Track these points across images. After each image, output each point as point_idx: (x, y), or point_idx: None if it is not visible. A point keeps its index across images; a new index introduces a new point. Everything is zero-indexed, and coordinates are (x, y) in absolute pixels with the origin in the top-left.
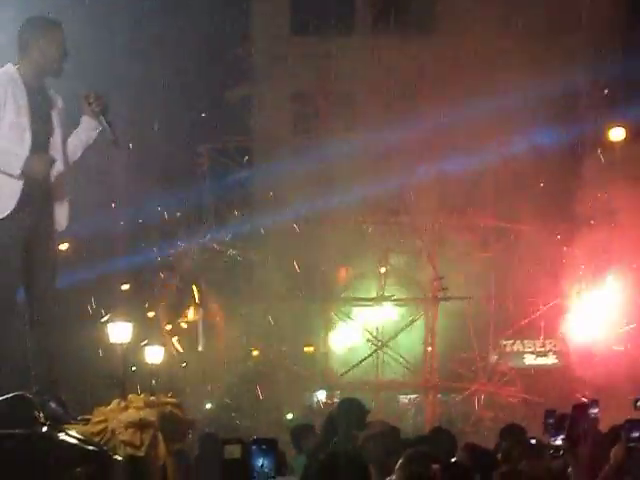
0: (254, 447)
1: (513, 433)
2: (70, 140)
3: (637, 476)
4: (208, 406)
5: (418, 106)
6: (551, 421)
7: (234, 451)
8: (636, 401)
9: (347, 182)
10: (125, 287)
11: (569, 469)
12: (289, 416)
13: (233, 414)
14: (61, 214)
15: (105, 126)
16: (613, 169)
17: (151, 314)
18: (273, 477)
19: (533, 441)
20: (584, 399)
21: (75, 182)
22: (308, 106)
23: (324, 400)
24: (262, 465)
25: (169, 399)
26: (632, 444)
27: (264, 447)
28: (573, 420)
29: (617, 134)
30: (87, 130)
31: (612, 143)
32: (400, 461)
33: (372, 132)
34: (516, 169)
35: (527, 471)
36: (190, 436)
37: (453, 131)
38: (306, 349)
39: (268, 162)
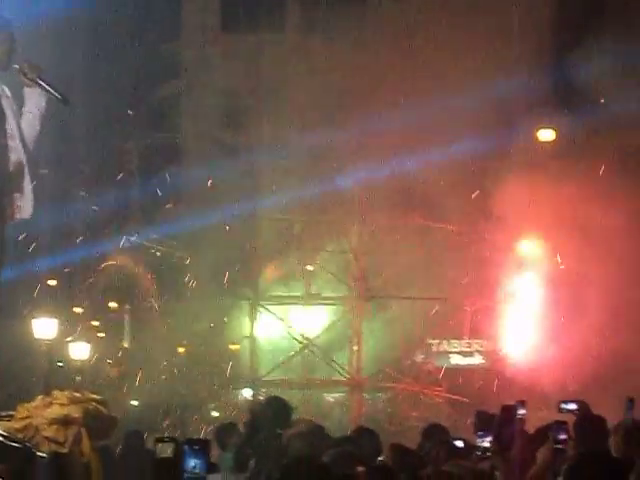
0: (186, 447)
1: (435, 433)
2: (23, 120)
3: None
4: (134, 403)
5: (349, 105)
6: (477, 422)
7: (167, 450)
8: (560, 404)
9: (277, 180)
10: (52, 282)
11: (496, 471)
12: (215, 414)
13: (159, 411)
14: (25, 202)
15: (48, 88)
16: (540, 170)
17: (77, 310)
18: (204, 478)
19: (460, 442)
20: (511, 401)
21: (36, 169)
22: (238, 103)
23: (250, 398)
24: (194, 466)
25: (93, 396)
26: (559, 446)
27: (196, 447)
28: (502, 422)
29: (546, 135)
30: (33, 100)
31: (541, 144)
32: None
33: (302, 130)
34: (444, 170)
35: (453, 472)
36: (114, 433)
37: (385, 131)
38: (232, 347)
39: (197, 159)
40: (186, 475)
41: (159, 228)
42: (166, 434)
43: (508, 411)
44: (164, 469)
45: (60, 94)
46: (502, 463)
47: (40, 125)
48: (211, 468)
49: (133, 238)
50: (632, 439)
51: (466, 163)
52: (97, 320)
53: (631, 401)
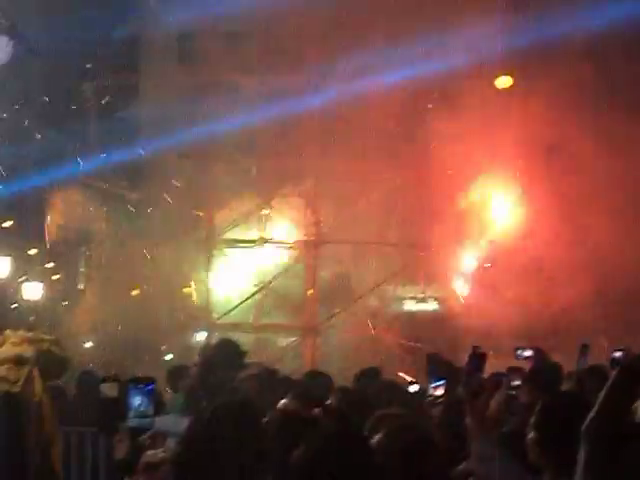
0: (131, 386)
1: (368, 376)
2: None
3: (516, 424)
4: (88, 345)
5: (306, 46)
6: (433, 367)
7: (111, 389)
8: (517, 350)
9: (233, 124)
10: (7, 224)
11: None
12: (168, 356)
13: (112, 353)
14: None
15: (17, 38)
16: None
17: (32, 251)
18: (151, 416)
19: (416, 386)
20: (477, 348)
21: None
22: (196, 46)
23: (203, 341)
24: (139, 404)
25: (47, 336)
26: (513, 392)
27: (141, 386)
28: (470, 369)
29: (503, 82)
30: (1, 48)
31: (498, 91)
32: (280, 403)
33: (259, 74)
34: (398, 120)
35: (402, 415)
36: (68, 373)
37: (340, 75)
38: (186, 290)
39: (155, 101)
40: (131, 414)
41: (113, 166)
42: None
43: (477, 359)
44: (109, 409)
45: (30, 44)
46: (471, 410)
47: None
48: (159, 408)
49: (88, 177)
50: (585, 385)
51: (420, 110)
52: (51, 262)
53: (585, 347)
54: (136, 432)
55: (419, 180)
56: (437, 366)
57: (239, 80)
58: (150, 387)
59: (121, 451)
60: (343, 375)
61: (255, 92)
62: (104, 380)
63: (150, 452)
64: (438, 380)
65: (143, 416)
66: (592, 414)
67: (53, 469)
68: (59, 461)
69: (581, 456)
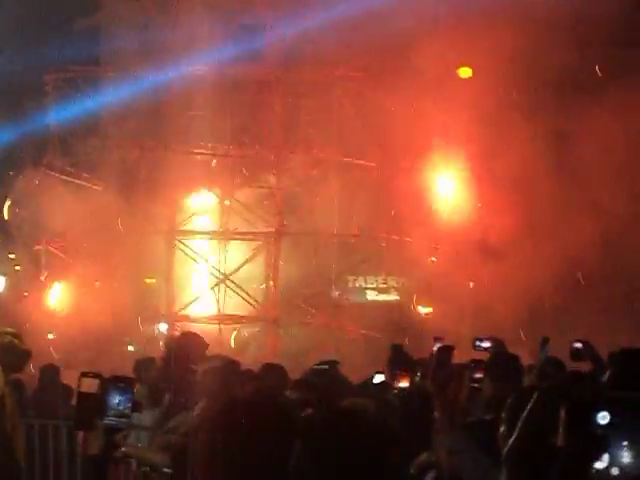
0: (111, 384)
1: (323, 369)
2: None
3: (477, 416)
4: (50, 336)
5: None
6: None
7: (91, 385)
8: (476, 340)
9: (193, 113)
10: None
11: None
12: (130, 348)
13: (74, 345)
14: None
15: None
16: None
17: None
18: (128, 416)
19: (381, 376)
20: (439, 339)
21: None
22: (155, 37)
23: (165, 333)
24: (118, 403)
25: (8, 329)
26: (475, 384)
27: (121, 385)
28: (438, 362)
29: (465, 73)
30: None
31: (462, 81)
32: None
33: (218, 63)
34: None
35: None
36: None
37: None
38: (148, 281)
39: (115, 92)
40: (110, 412)
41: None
42: (83, 369)
43: (445, 352)
44: (88, 404)
45: None
46: (441, 402)
47: None
48: (136, 406)
49: (47, 168)
50: (545, 377)
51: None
52: (12, 253)
53: (545, 340)
54: (111, 431)
55: (380, 167)
56: (399, 357)
57: (198, 71)
58: (128, 387)
59: (94, 447)
60: (304, 366)
61: (216, 80)
62: (85, 375)
63: None
64: (400, 371)
65: (120, 416)
66: (514, 437)
67: (16, 463)
68: (21, 455)
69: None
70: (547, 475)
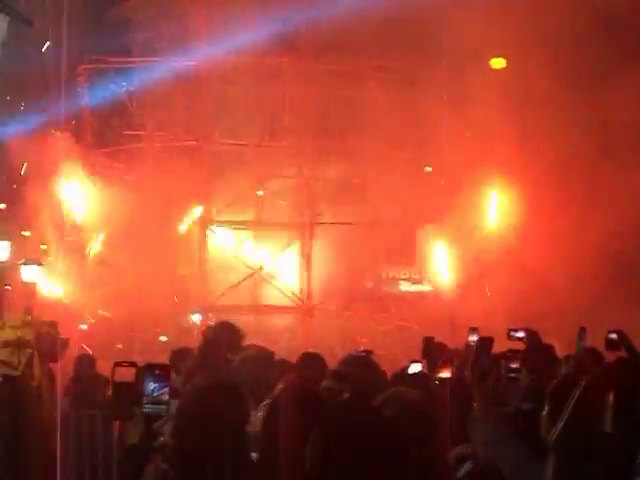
0: (147, 372)
1: (356, 361)
2: None
3: (516, 407)
4: (83, 327)
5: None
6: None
7: (126, 374)
8: (510, 331)
9: (225, 103)
10: (1, 206)
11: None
12: (163, 338)
13: (108, 335)
14: None
15: (12, 13)
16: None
17: (26, 233)
18: (165, 403)
19: (418, 366)
20: (474, 329)
21: None
22: (187, 26)
23: (199, 323)
24: (153, 390)
25: (44, 319)
26: (512, 374)
27: (157, 372)
28: (478, 353)
29: (498, 63)
30: None
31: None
32: (279, 387)
33: (248, 51)
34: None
35: (407, 397)
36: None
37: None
38: (182, 272)
39: (147, 83)
40: (146, 399)
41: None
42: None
43: (484, 343)
44: (124, 394)
45: (25, 17)
46: (480, 393)
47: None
48: (174, 393)
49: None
50: (583, 367)
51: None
52: (45, 244)
53: (582, 330)
54: (150, 418)
55: (416, 160)
56: (432, 349)
57: (229, 60)
58: (165, 374)
59: (134, 437)
60: (338, 357)
61: (246, 69)
62: (120, 364)
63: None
64: (442, 361)
65: (158, 403)
66: (560, 426)
67: (53, 452)
68: (58, 442)
69: (549, 467)
70: (595, 461)
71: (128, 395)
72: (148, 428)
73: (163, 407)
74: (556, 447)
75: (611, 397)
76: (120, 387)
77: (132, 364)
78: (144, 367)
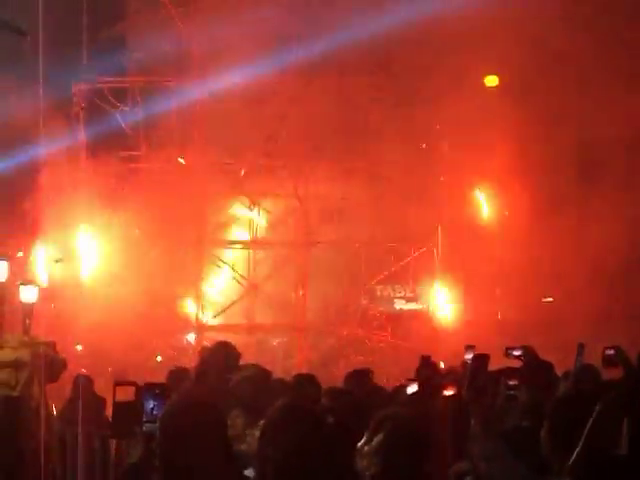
0: (146, 391)
1: (357, 378)
2: None
3: (514, 424)
4: (78, 348)
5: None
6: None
7: (127, 393)
8: (508, 350)
9: (218, 123)
10: None
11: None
12: (158, 358)
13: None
14: None
15: (5, 24)
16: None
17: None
18: None
19: (415, 387)
20: (471, 347)
21: None
22: (183, 46)
23: (194, 343)
24: (152, 409)
25: (42, 339)
26: (511, 392)
27: (157, 392)
28: (475, 370)
29: (491, 81)
30: None
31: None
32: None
33: (244, 74)
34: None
35: (403, 415)
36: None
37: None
38: (176, 291)
39: (145, 104)
40: (145, 418)
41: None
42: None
43: (480, 360)
44: (125, 412)
45: (18, 26)
46: (477, 410)
47: None
48: None
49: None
50: (581, 384)
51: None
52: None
53: (581, 347)
54: (150, 437)
55: (409, 179)
56: (427, 368)
57: (226, 80)
58: (164, 393)
59: (134, 455)
60: (333, 375)
61: (240, 92)
62: (120, 384)
63: None
64: (447, 379)
65: (156, 421)
66: (579, 449)
67: (53, 470)
68: (59, 462)
69: None
70: None
71: (128, 414)
72: (148, 447)
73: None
74: (573, 473)
75: (627, 420)
76: (120, 406)
77: (132, 383)
78: (143, 386)
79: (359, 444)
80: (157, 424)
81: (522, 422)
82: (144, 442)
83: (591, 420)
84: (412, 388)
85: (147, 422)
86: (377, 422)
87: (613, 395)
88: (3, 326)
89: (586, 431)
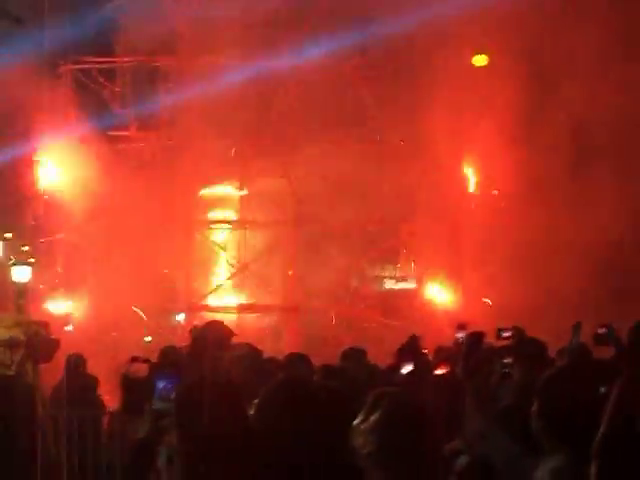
0: (158, 369)
1: (353, 356)
2: None
3: (507, 402)
4: (68, 328)
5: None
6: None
7: (140, 369)
8: (499, 331)
9: (210, 106)
10: None
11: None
12: (147, 338)
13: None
14: None
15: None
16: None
17: (7, 235)
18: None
19: (410, 366)
20: (463, 325)
21: None
22: (171, 28)
23: (183, 323)
24: (164, 388)
25: (35, 319)
26: (505, 370)
27: (169, 371)
28: (469, 349)
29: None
30: None
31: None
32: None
33: (234, 56)
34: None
35: (401, 392)
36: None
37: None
38: (166, 272)
39: (133, 85)
40: (156, 395)
41: None
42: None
43: (474, 338)
44: (136, 388)
45: (16, 14)
46: (470, 389)
47: None
48: None
49: None
50: (578, 362)
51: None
52: (25, 245)
53: (578, 325)
54: (159, 415)
55: (398, 156)
56: (414, 349)
57: (214, 63)
58: (176, 372)
59: (142, 432)
60: (323, 355)
61: (232, 74)
62: (135, 359)
63: None
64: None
65: (167, 400)
66: (603, 429)
67: (48, 453)
68: (53, 443)
69: (592, 475)
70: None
71: (140, 391)
72: (155, 425)
73: (172, 405)
74: (599, 453)
75: None
76: (133, 382)
77: (146, 360)
78: (157, 364)
79: (355, 422)
80: (168, 403)
81: (515, 400)
82: (152, 420)
83: (613, 397)
84: (407, 368)
85: (159, 400)
86: (374, 400)
87: (633, 371)
88: None
89: (609, 409)
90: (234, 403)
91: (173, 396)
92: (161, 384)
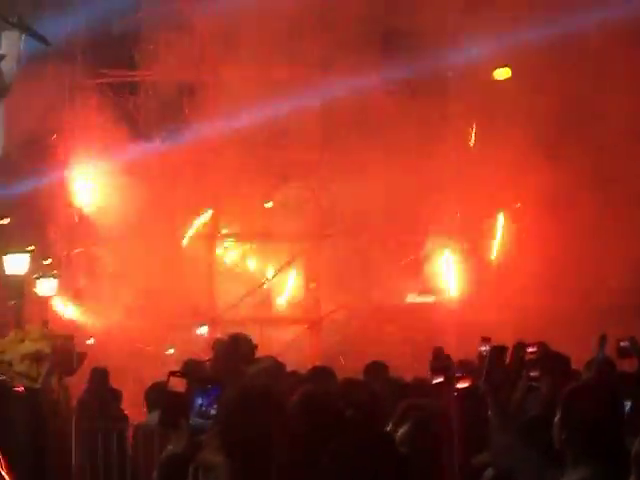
0: (197, 385)
1: (375, 370)
2: (3, 64)
3: (535, 413)
4: (90, 342)
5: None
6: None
7: (179, 384)
8: (525, 347)
9: (229, 118)
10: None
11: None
12: (170, 351)
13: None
14: None
15: (30, 30)
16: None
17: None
18: (212, 418)
19: (441, 378)
20: (487, 339)
21: None
22: (193, 40)
23: (206, 335)
24: (201, 404)
25: (61, 332)
26: (533, 383)
27: (208, 387)
28: (491, 363)
29: (501, 73)
30: (12, 42)
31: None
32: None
33: (257, 68)
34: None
35: (429, 405)
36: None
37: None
38: (189, 283)
39: (156, 96)
40: (194, 413)
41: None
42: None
43: (498, 352)
44: (175, 403)
45: (42, 36)
46: (494, 403)
47: (16, 64)
48: None
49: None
50: (604, 374)
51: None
52: (46, 259)
53: (604, 338)
54: (195, 431)
55: (422, 173)
56: (439, 360)
57: (237, 75)
58: (215, 389)
59: (179, 446)
60: (345, 368)
61: (253, 84)
62: (173, 374)
63: None
64: (461, 372)
65: (205, 417)
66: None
67: (69, 465)
68: (73, 455)
69: None
70: None
71: (178, 405)
72: (192, 440)
73: (210, 422)
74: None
75: None
76: (171, 396)
77: (184, 375)
78: (196, 380)
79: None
80: (206, 420)
81: (542, 413)
82: (189, 435)
83: None
84: (437, 379)
85: (196, 417)
86: (402, 412)
87: None
88: (23, 318)
89: None
90: (279, 411)
91: (212, 412)
92: (199, 400)
